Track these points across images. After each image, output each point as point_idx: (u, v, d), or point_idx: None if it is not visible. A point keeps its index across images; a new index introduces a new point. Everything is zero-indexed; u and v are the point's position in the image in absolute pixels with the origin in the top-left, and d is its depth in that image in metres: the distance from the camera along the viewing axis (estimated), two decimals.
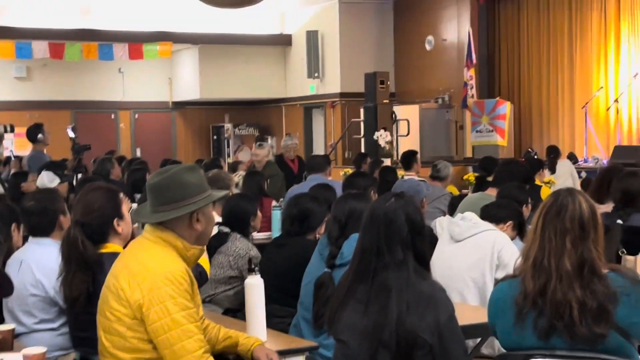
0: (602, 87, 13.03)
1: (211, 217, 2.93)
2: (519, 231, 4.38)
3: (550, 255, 2.57)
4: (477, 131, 14.14)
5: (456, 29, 15.15)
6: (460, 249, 4.12)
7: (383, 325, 2.59)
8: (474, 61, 14.32)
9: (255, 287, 3.18)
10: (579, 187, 10.10)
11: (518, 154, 13.95)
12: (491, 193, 4.69)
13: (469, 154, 14.51)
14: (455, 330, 2.64)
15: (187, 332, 2.69)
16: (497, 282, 4.01)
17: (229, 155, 17.58)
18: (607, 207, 5.01)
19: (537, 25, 14.37)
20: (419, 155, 9.14)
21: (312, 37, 16.34)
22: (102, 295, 2.84)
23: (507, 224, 4.29)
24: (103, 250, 3.25)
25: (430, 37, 15.69)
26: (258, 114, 18.61)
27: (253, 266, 3.19)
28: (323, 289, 3.70)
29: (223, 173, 6.65)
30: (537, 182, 7.69)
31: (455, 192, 7.79)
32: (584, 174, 11.24)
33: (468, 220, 4.23)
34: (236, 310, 4.49)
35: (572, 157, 11.88)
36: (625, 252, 4.13)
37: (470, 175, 9.82)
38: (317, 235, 4.33)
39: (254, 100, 18.10)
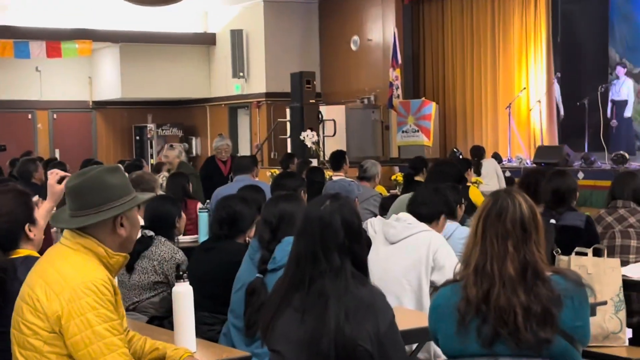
0: (524, 88, 13.22)
1: (136, 222, 2.74)
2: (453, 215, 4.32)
3: (493, 260, 2.47)
4: (403, 131, 14.17)
5: (381, 29, 15.16)
6: (395, 251, 4.02)
7: (321, 335, 2.45)
8: (399, 61, 14.36)
9: (183, 295, 3.00)
10: (504, 186, 10.22)
11: (443, 154, 14.04)
12: None
13: (395, 154, 14.54)
14: (395, 338, 2.53)
15: (110, 346, 2.50)
16: (433, 285, 3.95)
17: (152, 157, 17.20)
18: (537, 208, 5.00)
19: (460, 27, 14.50)
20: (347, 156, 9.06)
21: (237, 36, 16.12)
22: (16, 307, 2.62)
23: (441, 218, 4.19)
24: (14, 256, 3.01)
25: (355, 37, 15.67)
26: (182, 114, 18.27)
27: (181, 272, 3.01)
28: (255, 295, 3.54)
29: (147, 174, 6.42)
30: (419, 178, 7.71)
31: (385, 192, 7.72)
32: (508, 174, 11.36)
33: (403, 221, 4.13)
34: (162, 317, 4.30)
35: (497, 157, 11.99)
36: (559, 251, 4.09)
37: (398, 176, 9.78)
38: (247, 239, 4.17)
39: (177, 100, 17.77)
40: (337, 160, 8.69)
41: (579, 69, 14.80)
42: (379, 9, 15.18)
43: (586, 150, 11.90)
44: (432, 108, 13.93)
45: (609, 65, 15.62)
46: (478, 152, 10.09)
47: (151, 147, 17.70)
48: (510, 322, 2.41)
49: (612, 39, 15.70)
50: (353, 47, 15.70)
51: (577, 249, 4.03)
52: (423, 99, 14.27)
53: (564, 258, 4.04)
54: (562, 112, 13.39)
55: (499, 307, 2.42)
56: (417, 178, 7.90)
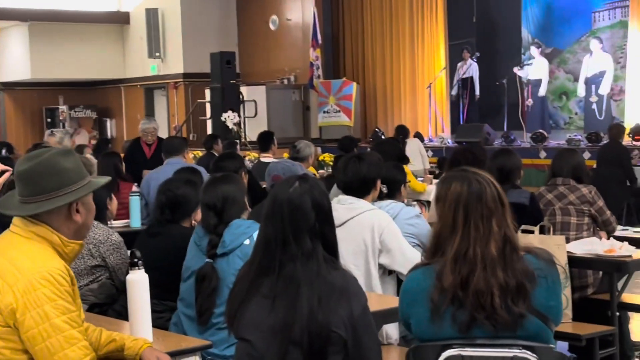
0: (444, 68, 13.35)
1: (92, 207, 2.59)
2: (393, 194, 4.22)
3: (477, 243, 2.43)
4: (324, 112, 14.13)
5: (300, 9, 15.05)
6: (340, 235, 3.92)
7: (293, 322, 2.35)
8: (320, 41, 14.31)
9: (138, 283, 2.86)
10: (428, 166, 10.30)
11: (364, 134, 14.08)
12: None
13: (316, 134, 14.49)
14: (369, 322, 2.46)
15: (69, 339, 2.35)
16: (382, 267, 3.90)
17: None
18: None
19: (380, 6, 14.52)
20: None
21: (152, 15, 15.73)
22: None
23: (376, 188, 4.07)
24: None
25: (274, 17, 15.51)
26: (96, 96, 17.75)
27: (136, 260, 2.87)
28: (206, 281, 3.42)
29: (83, 158, 6.14)
30: None
31: (316, 173, 7.66)
32: (430, 153, 11.48)
33: (345, 202, 4.04)
34: (103, 304, 4.12)
35: (419, 137, 12.10)
36: None
37: (326, 156, 9.74)
38: (194, 222, 4.03)
39: (90, 80, 17.24)
40: (266, 141, 8.57)
41: (496, 48, 15.05)
42: None
43: (505, 129, 12.14)
44: (353, 88, 13.94)
45: (522, 45, 15.98)
46: (403, 132, 10.14)
47: (63, 129, 17.15)
48: (487, 305, 2.38)
49: (525, 19, 16.04)
50: (272, 27, 15.54)
51: (522, 226, 4.06)
52: (344, 79, 14.25)
53: None
54: (477, 92, 13.59)
55: (477, 291, 2.38)
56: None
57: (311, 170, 7.38)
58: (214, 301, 3.41)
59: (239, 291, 2.51)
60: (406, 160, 5.12)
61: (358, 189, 3.96)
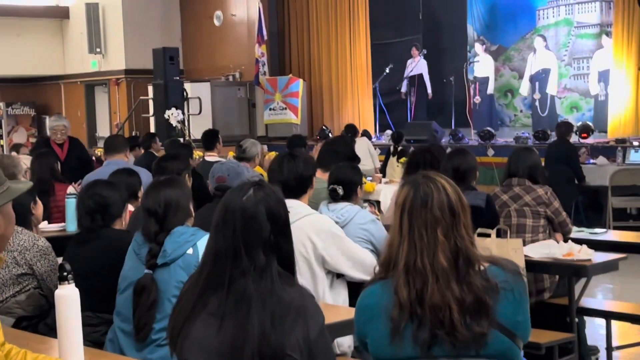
0: (392, 65, 13.22)
1: (11, 216, 2.32)
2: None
3: (424, 253, 2.24)
4: (270, 109, 13.89)
5: (245, 4, 14.77)
6: None
7: (243, 343, 2.13)
8: (265, 37, 14.06)
9: (68, 299, 2.60)
10: (378, 165, 10.14)
11: (311, 132, 13.88)
12: (320, 176, 4.35)
13: (262, 132, 14.25)
14: (326, 344, 2.25)
15: None
16: (330, 273, 3.70)
17: (1, 137, 16.09)
18: None
19: (325, 2, 14.32)
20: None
21: (92, 10, 15.28)
22: None
23: (312, 186, 3.88)
24: None
25: (218, 12, 15.20)
26: (34, 92, 17.19)
27: (65, 273, 2.60)
28: (145, 293, 3.17)
29: (5, 158, 5.80)
30: None
31: (264, 173, 7.41)
32: (378, 151, 11.32)
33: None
34: (32, 317, 3.83)
35: (367, 135, 11.93)
36: None
37: (273, 155, 9.48)
38: (123, 222, 3.79)
39: (28, 77, 16.69)
40: (210, 139, 8.29)
41: (442, 46, 15.01)
42: None
43: (453, 126, 12.06)
44: (299, 85, 13.72)
45: (468, 42, 15.98)
46: (352, 130, 9.95)
47: (0, 127, 16.55)
48: (447, 320, 2.19)
49: (471, 16, 16.04)
50: (216, 23, 15.23)
51: (479, 229, 3.89)
52: (290, 75, 14.03)
53: None
54: (429, 90, 13.52)
55: (433, 306, 2.19)
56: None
57: (258, 169, 7.14)
58: (153, 315, 3.16)
59: (184, 307, 2.27)
60: (357, 159, 4.92)
61: (296, 187, 3.77)
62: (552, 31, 14.38)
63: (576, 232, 4.70)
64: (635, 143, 9.06)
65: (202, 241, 3.14)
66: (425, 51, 13.36)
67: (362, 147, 9.78)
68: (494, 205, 4.24)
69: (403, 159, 8.72)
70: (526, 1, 15.43)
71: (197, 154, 8.99)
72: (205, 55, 15.29)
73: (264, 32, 14.07)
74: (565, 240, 4.18)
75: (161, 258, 3.20)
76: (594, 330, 5.17)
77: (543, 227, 4.40)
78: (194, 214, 3.42)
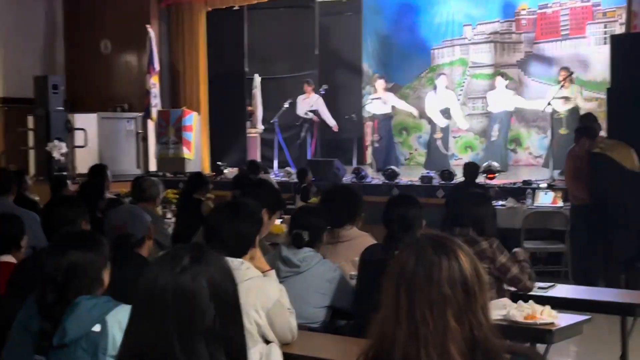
0: (291, 100, 12.81)
1: None
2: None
3: (429, 344, 1.70)
4: (162, 143, 13.15)
5: (136, 32, 14.01)
6: None
7: None
8: (157, 68, 13.38)
9: None
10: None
11: (206, 167, 13.23)
12: None
13: (152, 167, 13.47)
14: None
15: None
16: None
17: None
18: (364, 236, 4.37)
19: None
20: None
21: None
22: None
23: (256, 241, 3.35)
24: None
25: (106, 40, 14.39)
26: None
27: None
28: None
29: None
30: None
31: (159, 214, 6.77)
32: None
33: None
34: None
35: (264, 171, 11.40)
36: None
37: (169, 193, 8.81)
38: None
39: None
40: (98, 175, 7.62)
41: (339, 82, 14.78)
42: (133, 10, 14.02)
43: (354, 164, 11.71)
44: (193, 118, 13.06)
45: (363, 80, 15.80)
46: (254, 167, 9.37)
47: None
48: None
49: (366, 53, 15.90)
50: (104, 51, 14.40)
51: None
52: (184, 108, 13.34)
53: None
54: (332, 125, 13.17)
55: None
56: (197, 196, 7.08)
57: (157, 211, 6.49)
58: None
59: None
60: (283, 205, 4.39)
61: (235, 248, 3.20)
62: (447, 70, 14.37)
63: None
64: (543, 185, 8.92)
65: (114, 315, 2.52)
66: (326, 86, 13.01)
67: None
68: None
69: (314, 199, 8.24)
70: (421, 40, 15.41)
71: None
72: (91, 84, 14.40)
73: (156, 63, 13.38)
74: (525, 300, 3.71)
75: (58, 338, 2.54)
76: None
77: (490, 285, 3.95)
78: (106, 282, 2.76)
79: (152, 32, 13.41)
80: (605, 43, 13.38)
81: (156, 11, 13.94)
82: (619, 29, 13.12)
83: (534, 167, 13.46)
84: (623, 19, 13.14)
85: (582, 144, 7.03)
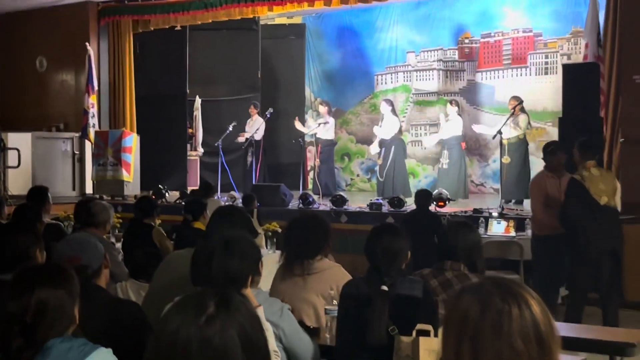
0: (235, 123, 12.55)
1: None
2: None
3: None
4: (99, 164, 12.68)
5: (73, 50, 13.57)
6: None
7: None
8: (96, 87, 12.95)
9: None
10: None
11: (146, 190, 12.81)
12: None
13: (89, 189, 12.98)
14: None
15: None
16: None
17: None
18: (336, 267, 4.14)
19: None
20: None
21: None
22: None
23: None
24: None
25: (42, 58, 13.89)
26: None
27: None
28: None
29: None
30: (199, 225, 6.64)
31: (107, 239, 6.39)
32: None
33: None
34: None
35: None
36: (396, 330, 3.23)
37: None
38: None
39: None
40: (40, 197, 7.21)
41: (282, 106, 14.60)
42: (71, 28, 13.57)
43: (301, 189, 11.48)
44: (133, 140, 12.65)
45: (306, 104, 15.66)
46: (207, 189, 8.98)
47: None
48: None
49: (309, 78, 15.78)
50: (40, 69, 13.89)
51: (418, 326, 3.20)
52: (123, 129, 12.92)
53: (406, 340, 3.19)
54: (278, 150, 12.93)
55: None
56: (147, 221, 6.75)
57: (107, 238, 6.13)
58: None
59: None
60: (255, 234, 4.08)
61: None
62: (391, 97, 14.33)
63: None
64: (495, 214, 8.85)
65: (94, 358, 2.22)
66: (272, 110, 12.80)
67: (214, 208, 8.92)
68: (432, 295, 3.54)
69: (273, 225, 7.96)
70: (365, 66, 15.37)
71: None
72: (26, 103, 13.86)
73: (94, 82, 12.96)
74: None
75: None
76: None
77: None
78: (77, 319, 2.45)
79: (91, 51, 13.00)
80: (546, 73, 13.58)
81: (96, 29, 13.52)
82: (560, 60, 13.31)
83: (478, 194, 13.48)
84: (564, 50, 13.36)
85: (557, 163, 6.90)
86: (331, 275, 4.03)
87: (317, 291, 3.99)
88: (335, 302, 3.83)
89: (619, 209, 6.62)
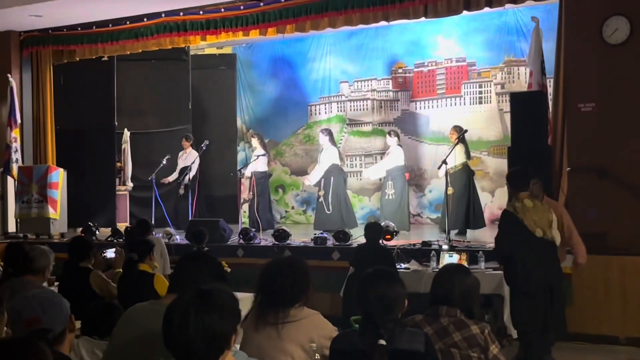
0: (169, 156, 12.09)
1: None
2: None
3: None
4: (23, 202, 11.99)
5: None
6: None
7: None
8: (19, 120, 12.31)
9: None
10: (169, 271, 8.77)
11: (73, 227, 12.18)
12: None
13: (12, 228, 12.26)
14: None
15: None
16: None
17: None
18: (315, 315, 3.75)
19: None
20: None
21: None
22: None
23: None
24: None
25: None
26: None
27: None
28: None
29: None
30: (145, 267, 6.18)
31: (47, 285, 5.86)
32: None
33: None
34: None
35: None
36: None
37: None
38: None
39: None
40: None
41: (212, 138, 14.18)
42: None
43: (239, 224, 11.06)
44: (59, 175, 12.02)
45: (238, 136, 15.29)
46: (145, 227, 8.43)
47: None
48: None
49: (240, 109, 15.44)
50: None
51: None
52: (49, 164, 12.28)
53: None
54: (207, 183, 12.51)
55: None
56: (83, 264, 6.21)
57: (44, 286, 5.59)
58: None
59: None
60: (225, 278, 3.65)
61: (204, 352, 2.48)
62: (325, 127, 14.09)
63: None
64: (445, 247, 8.63)
65: None
66: (207, 142, 12.38)
67: (156, 249, 8.43)
68: (434, 348, 3.20)
69: (223, 264, 7.49)
70: (298, 96, 15.12)
71: None
72: None
73: (17, 115, 12.31)
74: None
75: None
76: None
77: None
78: None
79: (13, 82, 12.36)
80: (480, 102, 13.56)
81: (18, 60, 12.88)
82: (494, 89, 13.33)
83: (416, 225, 13.31)
84: (498, 79, 13.39)
85: (537, 190, 6.73)
86: (309, 324, 3.64)
87: (295, 342, 3.60)
88: (317, 356, 3.45)
89: (557, 242, 6.34)
